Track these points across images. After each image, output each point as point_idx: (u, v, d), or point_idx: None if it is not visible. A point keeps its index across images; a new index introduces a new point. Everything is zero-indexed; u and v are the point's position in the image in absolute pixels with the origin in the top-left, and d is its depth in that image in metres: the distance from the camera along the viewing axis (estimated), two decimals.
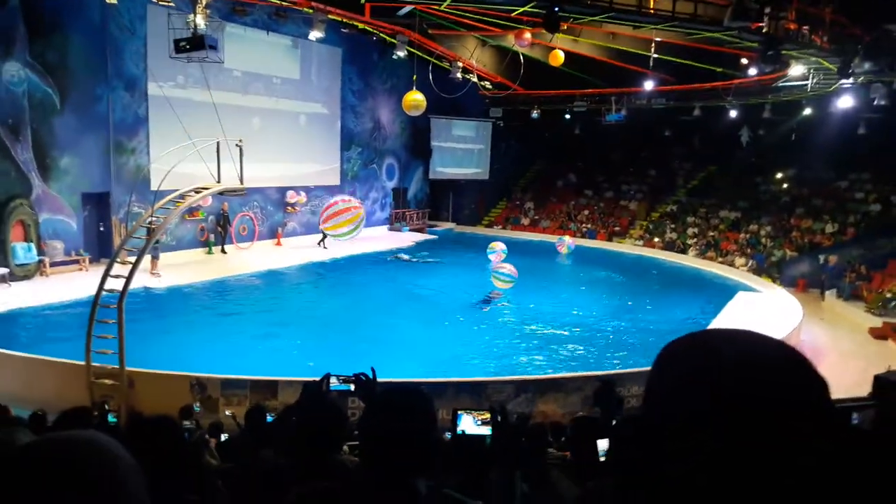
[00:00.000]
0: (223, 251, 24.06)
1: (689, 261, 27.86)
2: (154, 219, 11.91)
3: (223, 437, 7.10)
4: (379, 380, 3.17)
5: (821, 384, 0.88)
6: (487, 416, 3.45)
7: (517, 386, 11.34)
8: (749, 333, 0.93)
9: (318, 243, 26.15)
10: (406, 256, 26.45)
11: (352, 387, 3.94)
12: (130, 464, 0.99)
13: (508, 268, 19.71)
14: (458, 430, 3.70)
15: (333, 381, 4.12)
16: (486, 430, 3.44)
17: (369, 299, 19.10)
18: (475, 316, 18.04)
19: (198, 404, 10.17)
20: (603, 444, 3.99)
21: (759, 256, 25.75)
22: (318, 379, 3.77)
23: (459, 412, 3.82)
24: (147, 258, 18.65)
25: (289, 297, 19.58)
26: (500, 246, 23.78)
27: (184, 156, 13.42)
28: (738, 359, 0.87)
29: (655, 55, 23.29)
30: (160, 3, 19.87)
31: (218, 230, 24.01)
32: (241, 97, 24.80)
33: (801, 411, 0.84)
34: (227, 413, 9.43)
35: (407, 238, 30.90)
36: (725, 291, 21.14)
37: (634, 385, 11.46)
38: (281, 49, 26.25)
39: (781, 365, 0.88)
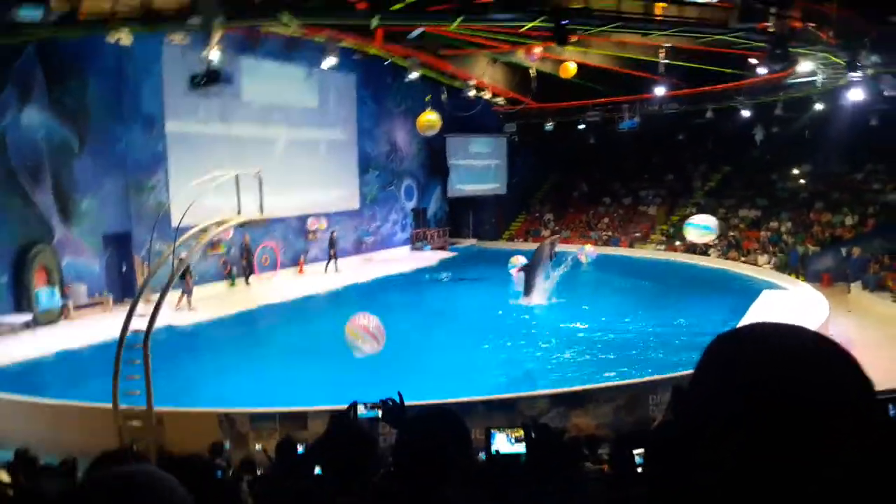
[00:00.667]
0: (247, 283, 24.17)
1: (712, 262, 27.66)
2: (176, 255, 11.98)
3: (259, 472, 7.07)
4: (407, 402, 3.15)
5: (864, 381, 0.85)
6: (521, 433, 3.41)
7: (548, 400, 11.24)
8: (791, 328, 0.91)
9: (326, 270, 26.56)
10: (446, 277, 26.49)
11: (379, 413, 3.93)
12: (185, 496, 1.07)
13: (703, 218, 17.15)
14: (493, 449, 3.66)
15: (361, 408, 4.11)
16: (520, 448, 3.40)
17: (397, 321, 19.01)
18: (503, 330, 17.93)
19: (227, 442, 10.15)
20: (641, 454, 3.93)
21: (793, 253, 25.37)
22: (345, 407, 3.75)
23: (493, 431, 3.77)
24: (171, 295, 18.95)
25: (315, 325, 19.55)
26: (520, 260, 23.74)
27: (204, 190, 13.52)
28: (778, 356, 0.85)
29: (665, 61, 23.25)
30: (174, 41, 20.13)
31: (242, 263, 24.15)
32: (262, 129, 25.05)
33: (841, 412, 0.81)
34: (257, 448, 9.41)
35: (430, 257, 30.93)
36: (750, 290, 20.91)
37: (666, 392, 11.32)
38: (298, 79, 26.50)
39: (821, 362, 0.85)
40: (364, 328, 11.05)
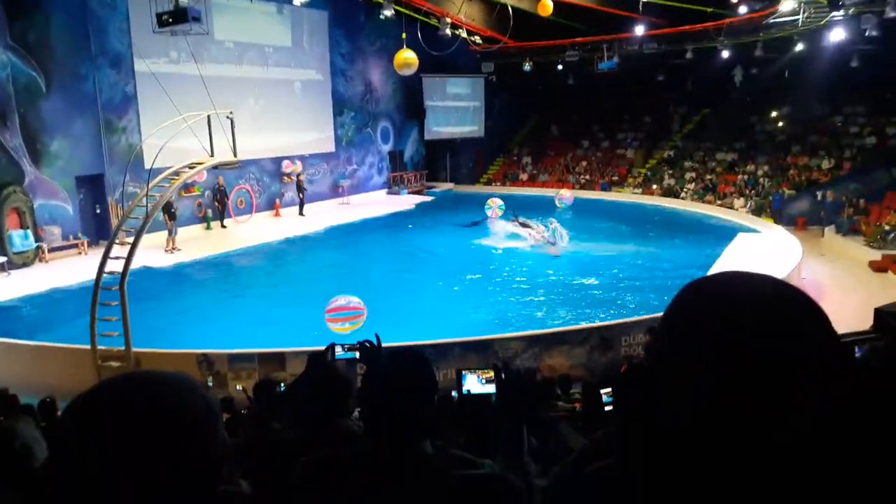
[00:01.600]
0: (223, 226, 24.03)
1: (689, 205, 27.86)
2: (149, 197, 11.85)
3: (243, 411, 7.14)
4: (384, 345, 3.19)
5: (830, 332, 0.86)
6: (491, 374, 3.47)
7: (523, 342, 11.40)
8: (761, 277, 0.92)
9: (301, 213, 26.64)
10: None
11: (357, 354, 3.97)
12: (213, 398, 1.09)
13: None
14: (464, 389, 3.72)
15: (338, 349, 4.15)
16: (490, 389, 3.45)
17: (373, 264, 19.14)
18: (480, 273, 18.03)
19: (210, 380, 10.26)
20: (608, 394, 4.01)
21: (776, 197, 25.42)
22: (323, 349, 3.78)
23: (464, 372, 3.83)
24: (158, 238, 18.91)
25: (291, 268, 19.61)
26: (496, 202, 23.90)
27: (176, 131, 13.30)
28: (747, 304, 0.86)
29: None
30: None
31: (215, 205, 23.95)
32: (236, 69, 24.62)
33: (808, 361, 0.82)
34: (237, 388, 9.50)
35: (406, 201, 30.81)
36: (726, 234, 21.14)
37: (639, 334, 11.54)
38: (271, 17, 25.94)
39: (789, 311, 0.86)
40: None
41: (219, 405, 1.10)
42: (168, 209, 18.86)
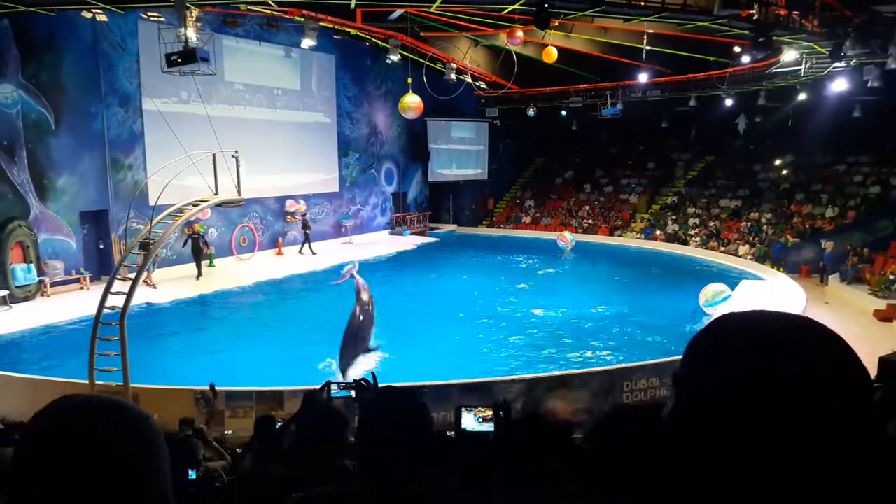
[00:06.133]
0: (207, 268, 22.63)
1: (692, 251, 27.82)
2: (153, 233, 11.89)
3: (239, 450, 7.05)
4: (380, 385, 3.16)
5: (859, 367, 0.84)
6: (489, 412, 3.43)
7: (524, 384, 11.30)
8: (783, 315, 0.90)
9: (300, 252, 26.62)
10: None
11: (352, 393, 3.94)
12: (154, 424, 1.06)
13: None
14: (462, 427, 3.68)
15: (334, 388, 4.11)
16: (487, 427, 3.41)
17: (376, 303, 19.02)
18: (479, 316, 17.96)
19: (204, 426, 10.13)
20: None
21: (775, 245, 25.38)
22: (318, 387, 3.76)
23: (462, 410, 3.79)
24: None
25: (292, 307, 19.54)
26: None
27: (181, 169, 13.40)
28: (773, 341, 0.85)
29: (648, 47, 23.24)
30: (150, 18, 19.90)
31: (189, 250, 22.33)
32: (244, 110, 24.96)
33: (837, 396, 0.80)
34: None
35: (409, 241, 30.90)
36: (729, 280, 21.06)
37: (642, 378, 11.45)
38: (280, 60, 26.36)
39: (815, 346, 0.85)
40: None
41: (159, 435, 1.04)
42: (146, 247, 18.69)
